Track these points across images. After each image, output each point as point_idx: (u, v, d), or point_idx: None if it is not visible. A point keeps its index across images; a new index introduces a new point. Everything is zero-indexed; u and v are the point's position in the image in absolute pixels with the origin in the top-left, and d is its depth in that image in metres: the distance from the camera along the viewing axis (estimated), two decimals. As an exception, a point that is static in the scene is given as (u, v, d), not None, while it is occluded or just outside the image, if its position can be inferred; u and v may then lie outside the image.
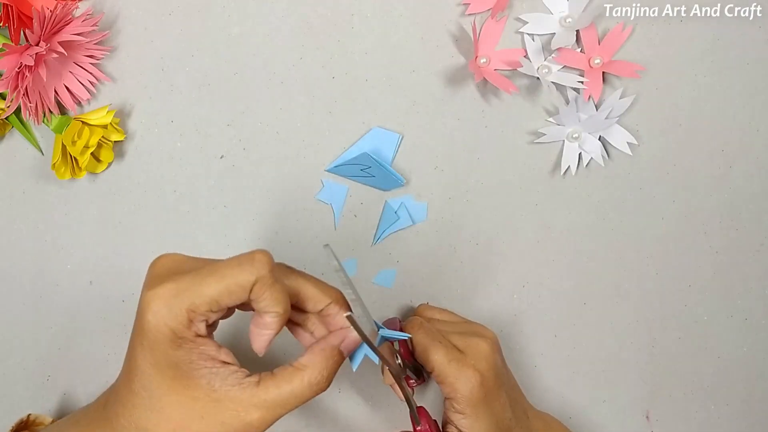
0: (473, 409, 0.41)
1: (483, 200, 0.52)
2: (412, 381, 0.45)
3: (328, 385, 0.36)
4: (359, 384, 0.53)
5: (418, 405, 0.43)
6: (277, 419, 0.35)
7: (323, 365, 0.36)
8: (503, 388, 0.43)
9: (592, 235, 0.53)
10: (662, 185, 0.53)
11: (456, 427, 0.42)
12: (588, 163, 0.52)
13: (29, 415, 0.50)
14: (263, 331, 0.35)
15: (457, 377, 0.41)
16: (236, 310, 0.38)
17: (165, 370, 0.34)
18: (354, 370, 0.39)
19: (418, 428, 0.42)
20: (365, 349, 0.38)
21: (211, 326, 0.36)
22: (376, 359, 0.39)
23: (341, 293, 0.39)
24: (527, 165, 0.52)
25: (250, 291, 0.34)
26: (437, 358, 0.42)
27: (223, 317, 0.36)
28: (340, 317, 0.37)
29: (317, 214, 0.52)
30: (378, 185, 0.51)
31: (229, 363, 0.35)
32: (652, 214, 0.53)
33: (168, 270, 0.35)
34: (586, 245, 0.53)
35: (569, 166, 0.52)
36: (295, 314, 0.39)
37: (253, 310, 0.36)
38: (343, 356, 0.37)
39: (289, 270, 0.38)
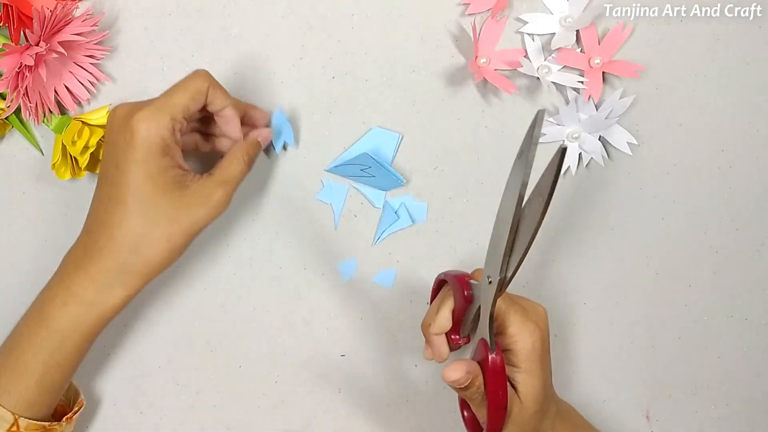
0: (530, 364, 0.42)
1: (483, 200, 0.52)
2: (456, 337, 0.45)
3: (254, 161, 0.47)
4: (359, 384, 0.53)
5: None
6: (232, 193, 0.45)
7: (249, 149, 0.46)
8: (549, 355, 0.44)
9: (592, 235, 0.53)
10: (662, 185, 0.53)
11: (510, 382, 0.42)
12: (588, 163, 0.52)
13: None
14: (231, 122, 0.46)
15: (520, 329, 0.42)
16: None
17: (156, 176, 0.42)
18: (277, 152, 0.50)
19: (492, 355, 0.40)
20: (284, 136, 0.50)
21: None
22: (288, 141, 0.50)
23: (237, 102, 0.47)
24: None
25: (207, 95, 0.44)
26: (502, 306, 0.42)
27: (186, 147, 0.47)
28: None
29: (317, 214, 0.52)
30: (378, 185, 0.51)
31: (187, 170, 0.44)
32: (652, 214, 0.53)
33: (132, 106, 0.43)
34: (586, 245, 0.53)
35: (569, 166, 0.52)
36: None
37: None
38: (258, 142, 0.47)
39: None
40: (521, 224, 0.38)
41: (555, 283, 0.53)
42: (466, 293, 0.42)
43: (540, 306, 0.44)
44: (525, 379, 0.42)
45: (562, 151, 0.34)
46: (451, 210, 0.52)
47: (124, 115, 0.43)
